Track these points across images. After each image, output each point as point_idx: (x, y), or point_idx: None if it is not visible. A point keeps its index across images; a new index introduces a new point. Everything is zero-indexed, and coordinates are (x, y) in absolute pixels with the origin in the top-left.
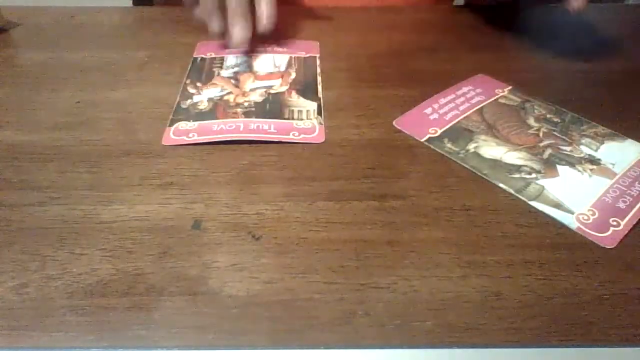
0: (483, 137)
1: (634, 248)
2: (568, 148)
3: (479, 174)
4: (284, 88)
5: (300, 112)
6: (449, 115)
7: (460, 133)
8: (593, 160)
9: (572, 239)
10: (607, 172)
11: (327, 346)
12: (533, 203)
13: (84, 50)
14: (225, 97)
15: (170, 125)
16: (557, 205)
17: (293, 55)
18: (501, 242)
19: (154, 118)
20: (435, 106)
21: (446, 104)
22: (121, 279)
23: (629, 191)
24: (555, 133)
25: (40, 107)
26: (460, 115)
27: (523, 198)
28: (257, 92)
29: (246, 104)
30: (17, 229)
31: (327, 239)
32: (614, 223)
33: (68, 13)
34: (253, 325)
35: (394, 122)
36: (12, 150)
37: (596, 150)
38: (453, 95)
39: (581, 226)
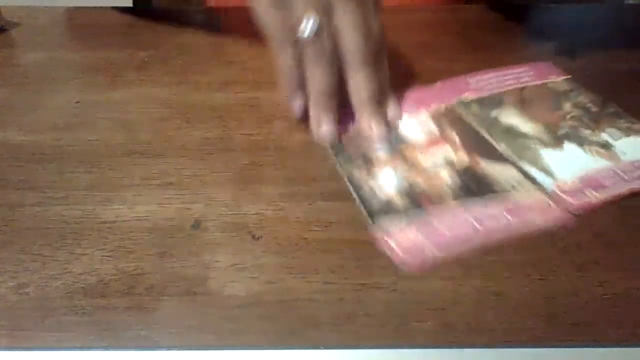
0: (510, 108)
1: (634, 248)
2: (587, 132)
3: (488, 133)
4: (465, 157)
5: (512, 186)
6: (489, 87)
7: (490, 101)
8: (605, 146)
9: (572, 239)
10: (613, 158)
11: (327, 346)
12: (522, 163)
13: (84, 50)
14: (416, 185)
15: (385, 234)
16: (544, 170)
17: (430, 110)
18: (501, 242)
19: (154, 118)
20: (482, 77)
21: (493, 78)
22: (121, 279)
23: (622, 175)
24: (583, 119)
25: (40, 107)
26: (501, 88)
27: (515, 157)
28: (444, 170)
29: (448, 189)
30: (17, 229)
31: (327, 239)
32: (589, 194)
33: (68, 13)
34: (253, 325)
35: (437, 83)
36: (12, 150)
37: (616, 140)
38: (504, 73)
39: (556, 190)
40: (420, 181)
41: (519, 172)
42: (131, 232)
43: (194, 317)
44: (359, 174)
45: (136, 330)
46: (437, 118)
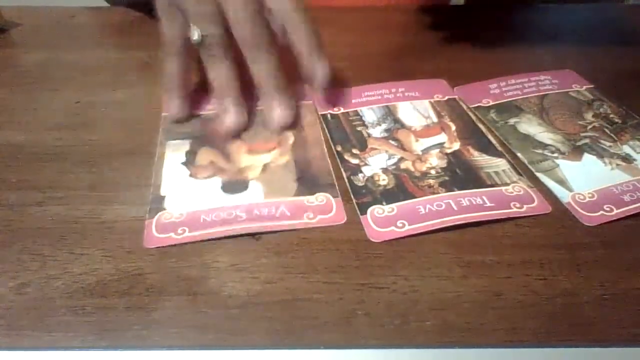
0: (529, 116)
1: (634, 248)
2: (608, 144)
3: (505, 142)
4: (458, 145)
5: (496, 173)
6: (509, 93)
7: (509, 108)
8: (626, 158)
9: (572, 239)
10: (633, 171)
11: (327, 346)
12: (539, 175)
13: (84, 50)
14: (402, 166)
15: (362, 212)
16: (561, 182)
17: (432, 100)
18: (501, 242)
19: (154, 118)
20: (502, 84)
21: (514, 84)
22: (121, 279)
23: None
24: (606, 130)
25: (40, 107)
26: (521, 96)
27: (532, 168)
28: (433, 154)
29: (433, 171)
30: (17, 229)
31: (327, 239)
32: (607, 209)
33: (68, 13)
34: (253, 325)
35: (454, 89)
36: (12, 150)
37: (638, 153)
38: (526, 79)
39: (572, 202)
40: (407, 162)
41: (510, 165)
42: (131, 232)
43: (194, 317)
44: (350, 151)
45: (136, 330)
46: (438, 108)
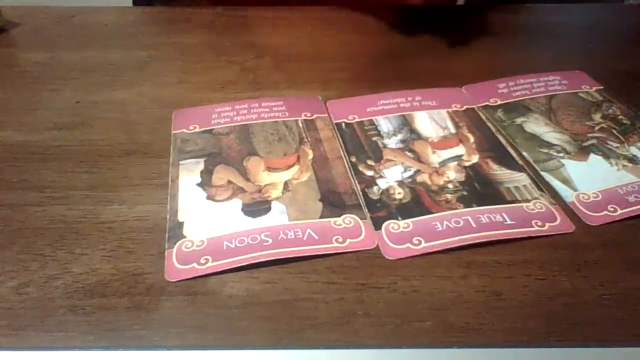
0: (536, 116)
1: (634, 248)
2: (615, 144)
3: (511, 141)
4: (476, 158)
5: (517, 188)
6: (517, 93)
7: (517, 108)
8: (632, 159)
9: (573, 238)
10: (639, 172)
11: (327, 346)
12: (544, 174)
13: (84, 50)
14: (419, 179)
15: (377, 226)
16: (566, 181)
17: (449, 110)
18: (501, 242)
19: (154, 118)
20: (511, 84)
21: (523, 84)
22: (121, 279)
23: None
24: (613, 131)
25: (40, 107)
26: (529, 95)
27: (537, 167)
28: (451, 167)
29: (451, 185)
30: (17, 229)
31: None
32: (611, 209)
33: (68, 13)
34: (253, 325)
35: (462, 88)
36: (12, 150)
37: None
38: (535, 80)
39: (576, 202)
40: (424, 175)
41: (531, 180)
42: (131, 232)
43: (194, 317)
44: (364, 162)
45: (136, 330)
46: (456, 118)
